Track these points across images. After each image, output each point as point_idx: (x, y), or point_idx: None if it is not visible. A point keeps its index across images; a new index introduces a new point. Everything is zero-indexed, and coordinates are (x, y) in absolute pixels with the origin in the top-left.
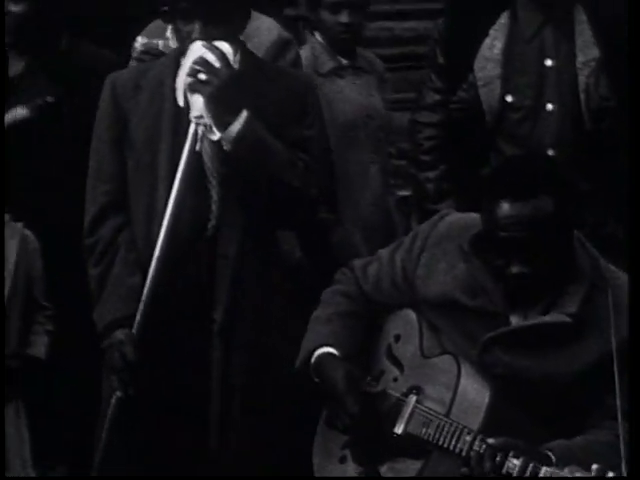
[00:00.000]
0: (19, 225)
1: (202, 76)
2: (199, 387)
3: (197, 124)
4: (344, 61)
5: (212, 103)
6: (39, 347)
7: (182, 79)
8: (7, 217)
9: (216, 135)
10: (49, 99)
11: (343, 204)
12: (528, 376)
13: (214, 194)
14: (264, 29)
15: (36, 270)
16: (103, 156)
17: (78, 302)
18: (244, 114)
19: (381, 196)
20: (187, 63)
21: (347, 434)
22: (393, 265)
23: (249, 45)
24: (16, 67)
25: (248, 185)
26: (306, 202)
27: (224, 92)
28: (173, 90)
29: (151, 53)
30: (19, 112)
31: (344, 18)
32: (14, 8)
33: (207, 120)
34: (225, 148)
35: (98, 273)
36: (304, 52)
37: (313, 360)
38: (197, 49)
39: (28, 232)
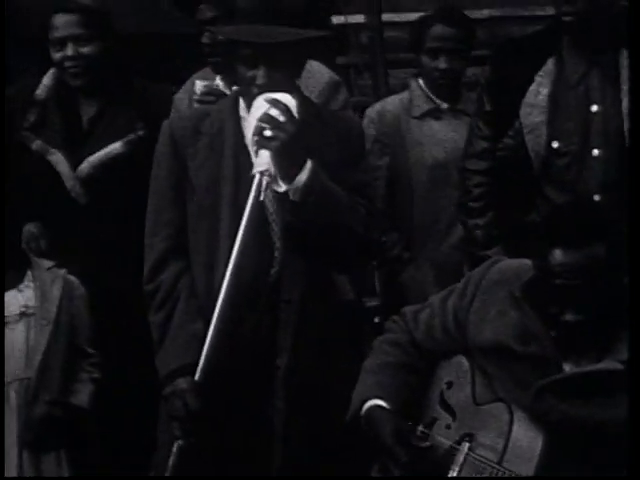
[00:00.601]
0: (62, 271)
1: (268, 132)
2: (262, 434)
3: (262, 174)
4: (444, 104)
5: (279, 157)
6: (83, 396)
7: (249, 132)
8: (50, 263)
9: (282, 187)
10: (140, 132)
11: (424, 243)
12: (581, 423)
13: (276, 241)
14: (315, 72)
15: (81, 317)
16: (163, 202)
17: (127, 349)
18: (309, 164)
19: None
20: (251, 120)
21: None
22: (445, 312)
23: (302, 87)
24: (90, 109)
25: (310, 232)
26: (367, 247)
27: (290, 145)
28: (233, 135)
29: (213, 94)
30: (113, 147)
31: (442, 64)
32: (84, 50)
33: (273, 172)
34: (292, 199)
35: (159, 319)
36: (401, 96)
37: (363, 412)
38: (260, 105)
39: (73, 278)
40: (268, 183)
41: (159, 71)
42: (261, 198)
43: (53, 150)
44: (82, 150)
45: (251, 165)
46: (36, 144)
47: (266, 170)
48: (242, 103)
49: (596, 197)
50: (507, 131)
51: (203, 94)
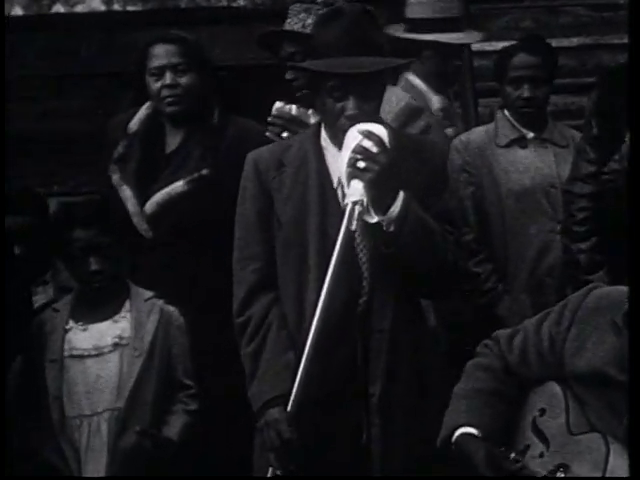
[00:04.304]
0: (160, 302)
1: (361, 164)
2: (358, 464)
3: (354, 204)
4: (530, 134)
5: (372, 188)
6: (174, 428)
7: (343, 164)
8: (149, 294)
9: (374, 218)
10: (204, 172)
11: (517, 272)
12: None
13: (364, 270)
14: (394, 99)
15: (178, 347)
16: (250, 235)
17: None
18: (402, 195)
19: (561, 265)
20: (345, 152)
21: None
22: (540, 337)
23: (381, 114)
24: (174, 142)
25: (400, 261)
26: (455, 274)
27: (383, 177)
28: (316, 166)
29: (283, 117)
30: (175, 186)
31: (525, 93)
32: (182, 79)
33: (365, 203)
34: (386, 230)
35: (251, 351)
36: (486, 127)
37: (454, 439)
38: (354, 136)
39: (172, 309)
40: (360, 213)
41: (246, 104)
42: (353, 228)
43: (125, 187)
44: (152, 187)
45: (335, 195)
46: (114, 179)
47: (359, 200)
48: (324, 134)
49: None
50: (613, 155)
51: (274, 117)
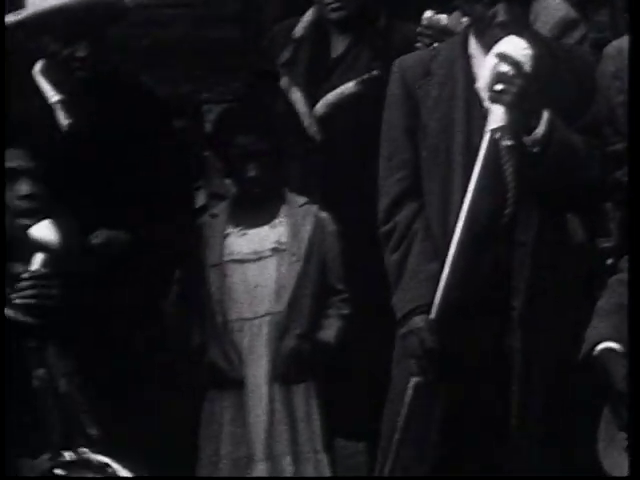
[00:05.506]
0: (314, 208)
1: (498, 86)
2: (498, 374)
3: (493, 132)
4: None
5: (513, 110)
6: (330, 332)
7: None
8: (303, 200)
9: (510, 142)
10: (375, 72)
11: None
12: None
13: (510, 181)
14: (552, 7)
15: (332, 253)
16: (396, 144)
17: (374, 287)
18: (546, 116)
19: None
20: (484, 74)
21: (627, 431)
22: None
23: (537, 24)
24: (339, 47)
25: (545, 177)
26: (601, 188)
27: (522, 98)
28: (463, 75)
29: (433, 27)
30: (347, 87)
31: None
32: None
33: (506, 128)
34: (530, 151)
35: (396, 260)
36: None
37: (595, 354)
38: (490, 59)
39: (325, 215)
40: (501, 138)
41: (409, 12)
42: (499, 141)
43: (295, 89)
44: (322, 88)
45: (482, 105)
46: (283, 81)
47: (499, 128)
48: (473, 41)
49: None
50: None
51: (425, 27)
